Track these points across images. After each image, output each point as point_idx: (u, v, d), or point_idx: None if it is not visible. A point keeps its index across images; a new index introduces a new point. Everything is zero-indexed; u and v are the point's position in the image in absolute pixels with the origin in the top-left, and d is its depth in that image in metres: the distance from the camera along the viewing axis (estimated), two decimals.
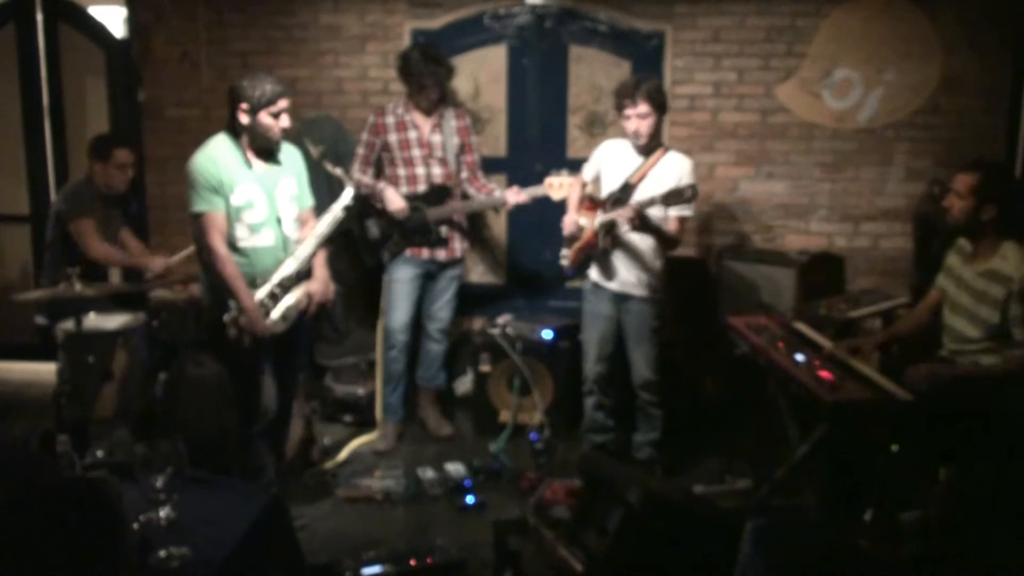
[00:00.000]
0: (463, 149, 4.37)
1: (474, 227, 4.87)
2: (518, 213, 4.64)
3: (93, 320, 4.01)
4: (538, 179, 4.25)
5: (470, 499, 3.78)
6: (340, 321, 4.87)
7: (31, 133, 5.35)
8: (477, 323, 4.98)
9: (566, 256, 4.02)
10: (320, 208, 3.59)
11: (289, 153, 3.50)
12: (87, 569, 1.72)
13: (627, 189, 3.78)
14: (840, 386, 3.09)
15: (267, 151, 3.38)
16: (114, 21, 5.19)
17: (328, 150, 4.80)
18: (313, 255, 3.47)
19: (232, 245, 3.31)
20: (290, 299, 3.39)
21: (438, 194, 4.32)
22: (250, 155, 3.34)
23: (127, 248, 4.44)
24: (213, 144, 3.32)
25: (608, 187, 3.88)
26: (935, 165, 4.72)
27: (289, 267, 3.39)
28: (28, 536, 1.69)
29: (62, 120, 5.33)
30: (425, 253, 4.35)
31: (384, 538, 3.46)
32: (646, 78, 3.79)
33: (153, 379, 4.12)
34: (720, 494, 3.79)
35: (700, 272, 4.85)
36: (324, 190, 4.22)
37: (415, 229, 4.30)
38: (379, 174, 4.41)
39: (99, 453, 3.33)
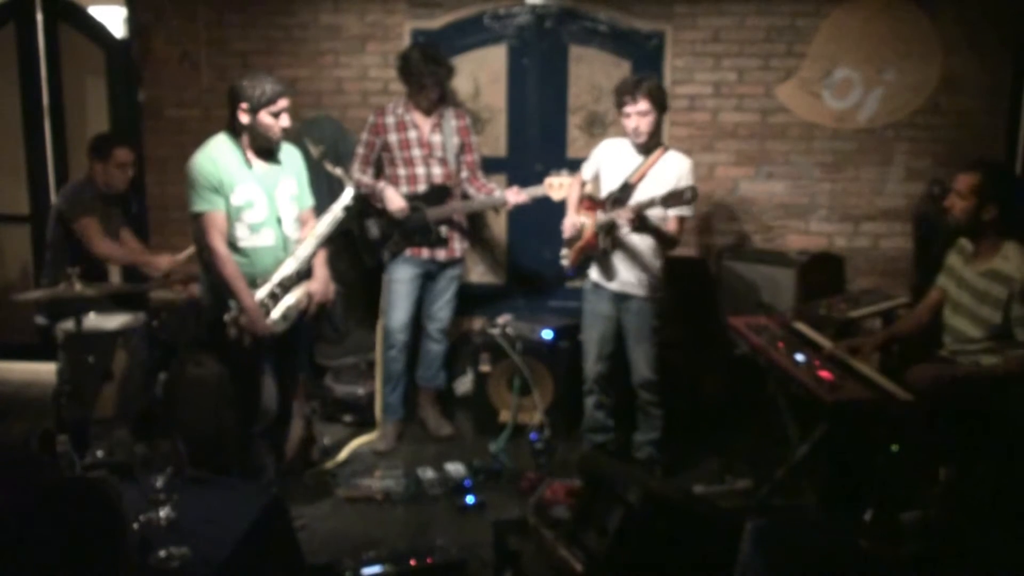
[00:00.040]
0: (463, 149, 4.37)
1: (474, 227, 4.87)
2: (518, 213, 4.64)
3: (93, 320, 4.01)
4: (538, 179, 4.25)
5: (470, 499, 3.78)
6: (340, 321, 4.87)
7: (31, 133, 5.35)
8: (477, 323, 4.98)
9: (566, 256, 4.02)
10: (320, 208, 3.59)
11: (289, 153, 3.50)
12: (87, 569, 1.72)
13: (627, 189, 3.78)
14: (840, 386, 3.09)
15: (267, 151, 3.38)
16: (114, 21, 5.19)
17: (328, 150, 4.81)
18: (313, 255, 3.47)
19: (232, 245, 3.31)
20: (290, 299, 3.39)
21: (438, 194, 4.32)
22: (250, 155, 3.34)
23: (128, 248, 4.44)
24: (213, 144, 3.32)
25: (608, 186, 3.88)
26: (935, 165, 4.73)
27: (289, 267, 3.39)
28: (28, 536, 1.69)
29: (62, 120, 5.33)
30: (425, 253, 4.35)
31: (384, 538, 3.46)
32: (647, 76, 3.80)
33: (153, 379, 4.12)
34: (720, 494, 3.78)
35: (700, 272, 4.85)
36: (324, 190, 4.22)
37: (415, 229, 4.30)
38: (379, 174, 4.41)
39: (99, 453, 3.34)
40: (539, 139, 4.95)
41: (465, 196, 4.40)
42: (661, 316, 3.94)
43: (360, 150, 4.37)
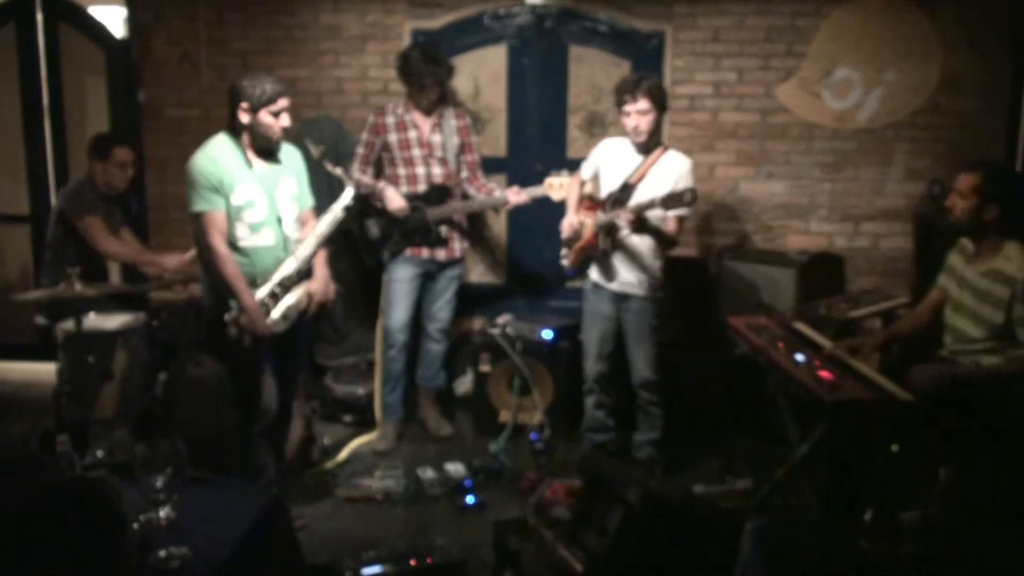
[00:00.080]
0: (463, 149, 4.37)
1: (474, 227, 4.87)
2: (518, 213, 4.64)
3: (93, 320, 4.01)
4: (538, 179, 4.25)
5: (470, 499, 3.78)
6: (340, 321, 4.87)
7: (31, 133, 5.35)
8: (477, 323, 4.98)
9: (566, 256, 4.02)
10: (320, 208, 3.59)
11: (289, 153, 3.50)
12: (87, 569, 1.72)
13: (627, 189, 3.78)
14: (840, 386, 3.09)
15: (267, 151, 3.38)
16: (114, 21, 5.19)
17: (328, 150, 4.80)
18: (313, 255, 3.47)
19: (232, 244, 3.31)
20: (290, 299, 3.39)
21: (438, 194, 4.32)
22: (250, 154, 3.34)
23: (133, 247, 4.45)
24: (213, 144, 3.32)
25: (607, 186, 3.88)
26: (935, 165, 4.73)
27: (289, 267, 3.39)
28: (28, 536, 1.69)
29: (62, 120, 5.33)
30: (425, 253, 4.35)
31: (384, 538, 3.46)
32: (647, 75, 3.80)
33: (153, 379, 4.12)
34: (720, 494, 3.78)
35: (700, 272, 4.85)
36: (324, 190, 4.22)
37: (415, 229, 4.30)
38: (379, 174, 4.41)
39: (99, 453, 3.34)
40: (539, 139, 4.94)
41: (465, 196, 4.40)
42: (661, 316, 3.94)
43: (360, 150, 4.37)
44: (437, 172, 4.32)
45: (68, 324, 3.86)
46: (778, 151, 4.85)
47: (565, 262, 4.04)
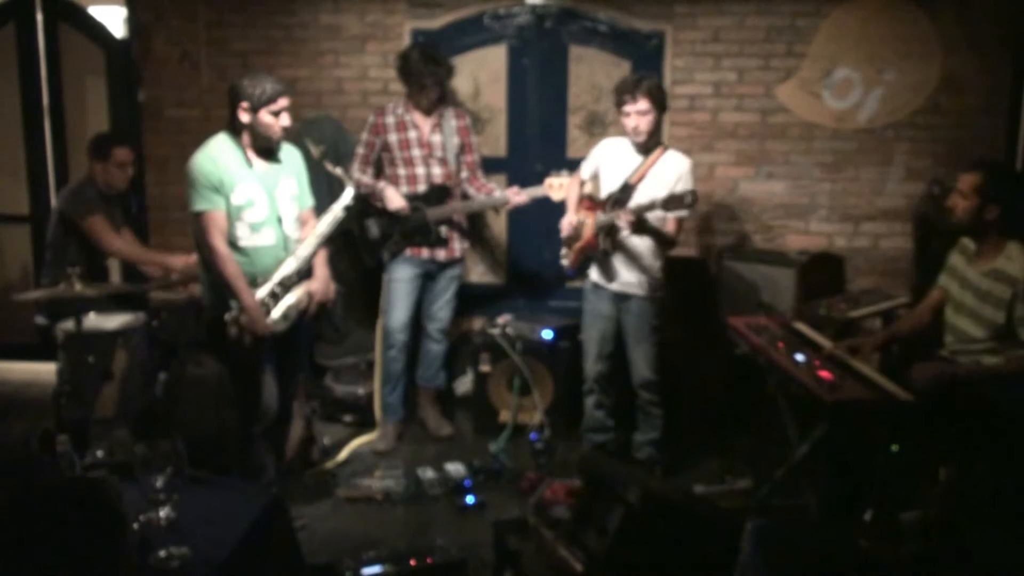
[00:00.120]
0: (463, 149, 4.37)
1: (474, 227, 4.87)
2: (518, 213, 4.64)
3: (93, 320, 4.01)
4: (538, 179, 4.25)
5: (470, 499, 3.78)
6: (340, 321, 4.87)
7: (31, 133, 5.35)
8: (477, 323, 4.98)
9: (566, 256, 4.02)
10: (320, 208, 3.59)
11: (289, 153, 3.50)
12: (87, 569, 1.72)
13: (627, 189, 3.78)
14: (840, 386, 3.10)
15: (267, 150, 3.38)
16: (114, 21, 5.19)
17: (328, 150, 4.76)
18: (313, 255, 3.47)
19: (233, 244, 3.31)
20: (291, 298, 3.39)
21: (438, 194, 4.32)
22: (251, 154, 3.34)
23: (136, 247, 4.45)
24: (213, 143, 3.32)
25: (607, 186, 3.88)
26: (935, 165, 4.73)
27: (290, 266, 3.39)
28: (28, 536, 1.69)
29: (62, 120, 5.33)
30: (425, 253, 4.35)
31: (384, 538, 3.46)
32: (646, 75, 3.80)
33: (153, 379, 4.12)
34: (720, 494, 3.78)
35: (700, 272, 4.85)
36: (324, 190, 4.22)
37: (415, 229, 4.30)
38: (379, 174, 4.41)
39: (99, 453, 3.34)
40: (539, 139, 4.94)
41: (465, 196, 4.40)
42: (661, 316, 3.94)
43: (360, 150, 4.37)
44: (437, 172, 4.32)
45: (68, 324, 3.86)
46: (778, 151, 4.85)
47: (565, 262, 4.05)
